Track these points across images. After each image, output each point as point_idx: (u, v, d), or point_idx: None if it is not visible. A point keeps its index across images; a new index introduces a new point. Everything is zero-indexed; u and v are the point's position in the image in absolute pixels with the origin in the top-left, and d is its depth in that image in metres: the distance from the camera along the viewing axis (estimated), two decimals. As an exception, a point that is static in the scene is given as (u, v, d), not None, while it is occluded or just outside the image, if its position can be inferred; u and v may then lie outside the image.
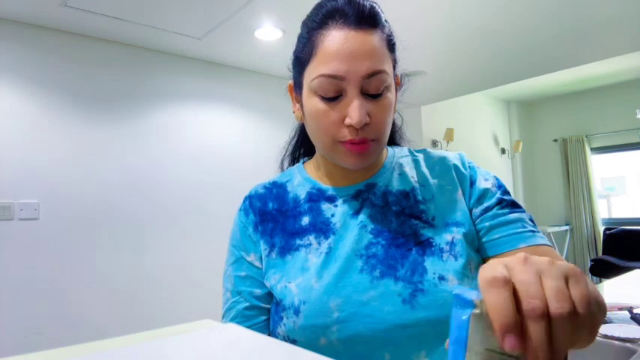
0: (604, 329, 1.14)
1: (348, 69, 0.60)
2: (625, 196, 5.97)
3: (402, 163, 0.74)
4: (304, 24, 0.68)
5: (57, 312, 2.56)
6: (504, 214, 0.65)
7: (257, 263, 0.70)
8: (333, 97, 0.62)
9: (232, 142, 3.43)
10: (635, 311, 1.22)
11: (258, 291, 0.69)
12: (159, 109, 3.10)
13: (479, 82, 4.21)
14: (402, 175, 0.72)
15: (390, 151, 0.77)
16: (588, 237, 5.82)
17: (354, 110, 0.60)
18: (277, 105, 3.62)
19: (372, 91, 0.62)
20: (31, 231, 2.54)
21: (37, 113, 2.62)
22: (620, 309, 1.25)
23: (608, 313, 1.31)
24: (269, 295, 0.69)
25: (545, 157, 6.32)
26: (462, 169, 0.71)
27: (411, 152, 0.77)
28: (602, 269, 4.89)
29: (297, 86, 0.71)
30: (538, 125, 6.43)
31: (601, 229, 5.69)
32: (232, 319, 0.69)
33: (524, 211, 0.66)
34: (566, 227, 5.93)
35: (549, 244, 0.63)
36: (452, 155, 0.74)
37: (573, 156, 5.94)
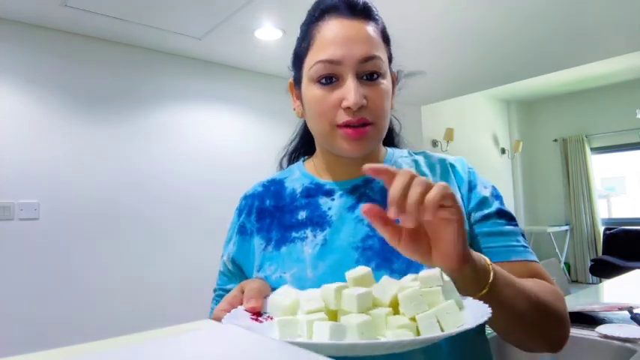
0: (604, 329, 1.14)
1: (344, 53, 0.63)
2: (625, 196, 5.97)
3: (400, 162, 0.75)
4: (303, 23, 0.72)
5: (57, 312, 2.57)
6: (501, 225, 0.67)
7: (228, 264, 0.74)
8: (330, 82, 0.65)
9: (232, 142, 3.43)
10: (635, 311, 1.22)
11: (230, 286, 0.73)
12: (159, 109, 3.10)
13: (479, 82, 4.21)
14: None
15: (390, 151, 0.78)
16: (588, 237, 5.82)
17: (350, 92, 0.62)
18: (277, 105, 3.62)
19: (368, 76, 0.65)
20: (31, 231, 2.54)
21: (37, 113, 2.62)
22: (620, 309, 1.25)
23: (608, 313, 1.31)
24: None
25: (545, 157, 6.32)
26: (462, 173, 0.71)
27: (410, 153, 0.78)
28: (602, 269, 4.89)
29: (297, 82, 0.73)
30: (538, 125, 6.43)
31: (601, 229, 5.69)
32: (217, 297, 0.75)
33: (517, 226, 0.69)
34: (566, 227, 5.94)
35: (538, 260, 0.66)
36: (452, 158, 0.74)
37: (573, 156, 5.94)
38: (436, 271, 0.48)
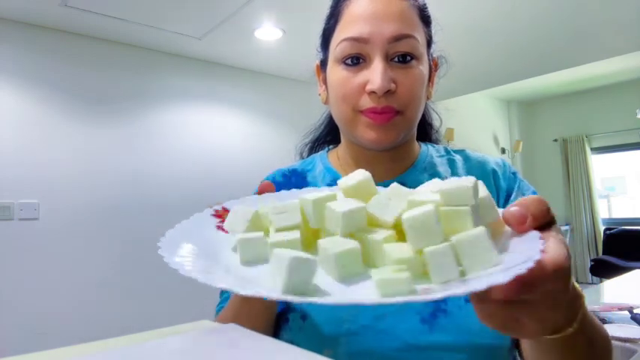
0: (604, 329, 1.13)
1: (372, 30, 0.57)
2: (625, 196, 5.97)
3: (435, 162, 0.69)
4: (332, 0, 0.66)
5: (57, 312, 2.56)
6: None
7: None
8: (356, 63, 0.58)
9: (232, 141, 3.43)
10: (635, 311, 1.22)
11: None
12: (159, 109, 3.10)
13: (479, 82, 4.21)
14: (435, 176, 0.66)
15: (424, 148, 0.71)
16: (588, 237, 5.82)
17: (376, 74, 0.55)
18: (278, 104, 3.62)
19: (400, 58, 0.58)
20: (31, 231, 2.54)
21: (36, 113, 2.62)
22: (620, 309, 1.25)
23: (608, 313, 1.31)
24: None
25: (545, 157, 6.31)
26: (502, 181, 0.66)
27: (447, 152, 0.72)
28: (602, 269, 4.89)
29: (323, 65, 0.67)
30: (538, 125, 6.43)
31: (601, 229, 5.69)
32: (223, 301, 0.64)
33: None
34: (566, 227, 5.93)
35: None
36: (493, 162, 0.69)
37: (573, 156, 5.94)
38: (468, 182, 0.33)
